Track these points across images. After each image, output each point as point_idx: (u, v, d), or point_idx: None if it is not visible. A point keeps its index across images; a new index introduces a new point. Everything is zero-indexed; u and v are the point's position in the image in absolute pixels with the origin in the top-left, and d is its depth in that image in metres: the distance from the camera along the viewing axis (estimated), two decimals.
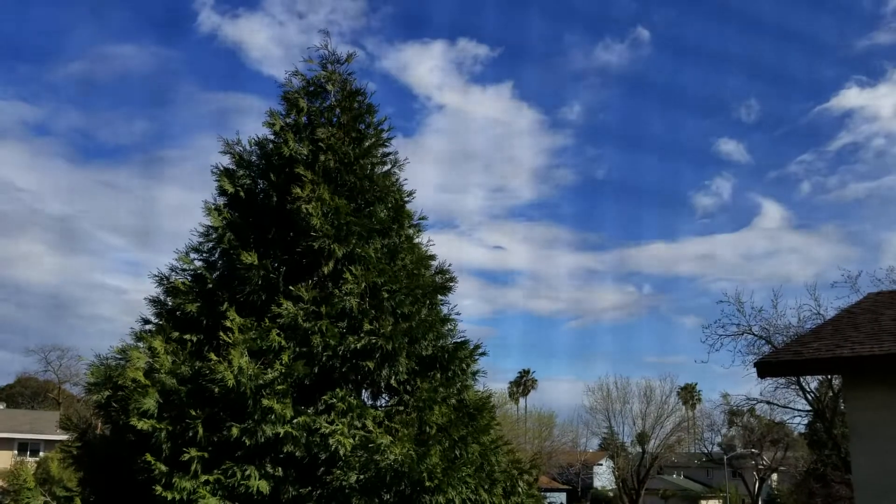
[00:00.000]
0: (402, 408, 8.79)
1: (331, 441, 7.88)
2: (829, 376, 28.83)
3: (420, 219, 10.37)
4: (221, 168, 9.80)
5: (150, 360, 8.40)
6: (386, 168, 10.23)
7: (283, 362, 8.11)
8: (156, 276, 9.51)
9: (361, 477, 7.82)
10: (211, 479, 7.70)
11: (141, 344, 8.77)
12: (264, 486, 7.77)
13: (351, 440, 7.97)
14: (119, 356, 8.78)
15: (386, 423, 8.44)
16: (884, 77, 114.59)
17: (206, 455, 7.81)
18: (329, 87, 10.11)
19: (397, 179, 10.18)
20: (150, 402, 7.89)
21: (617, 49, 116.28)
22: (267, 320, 8.44)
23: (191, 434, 7.84)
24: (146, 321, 9.42)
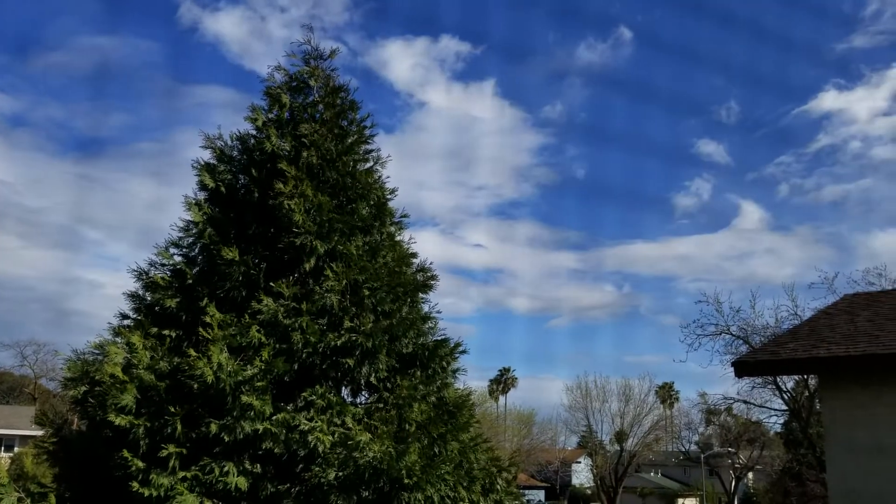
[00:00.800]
0: (381, 405, 8.78)
1: (310, 438, 7.86)
2: (806, 376, 29.17)
3: (402, 216, 10.38)
4: (202, 162, 9.73)
5: (129, 355, 8.32)
6: (368, 165, 10.20)
7: (263, 359, 8.08)
8: (134, 270, 9.43)
9: (340, 474, 7.81)
10: (189, 475, 7.65)
11: (119, 339, 8.69)
12: (242, 483, 7.73)
13: (330, 437, 7.96)
14: (96, 351, 8.69)
15: (365, 420, 8.44)
16: (861, 80, 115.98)
17: (184, 451, 7.75)
18: (312, 83, 10.07)
19: (379, 177, 10.16)
20: (128, 398, 7.82)
21: (599, 48, 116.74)
22: (247, 316, 8.40)
23: (169, 430, 7.78)
24: (124, 316, 9.34)
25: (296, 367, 8.42)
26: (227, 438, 7.72)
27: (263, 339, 8.27)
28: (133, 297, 9.42)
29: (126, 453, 7.65)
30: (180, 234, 9.52)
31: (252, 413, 7.74)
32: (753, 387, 33.13)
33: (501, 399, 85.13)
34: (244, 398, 7.73)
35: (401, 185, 10.44)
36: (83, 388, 8.44)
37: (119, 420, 7.72)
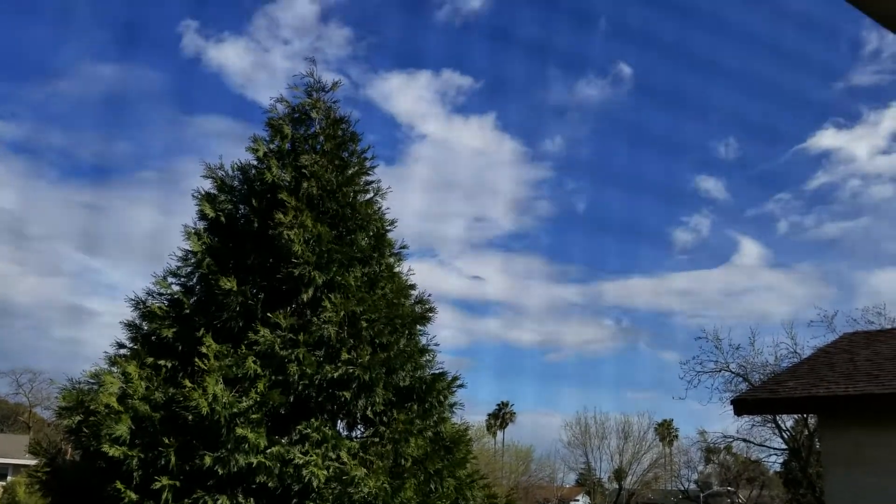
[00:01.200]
0: (377, 439, 8.70)
1: (304, 472, 7.77)
2: (805, 415, 28.98)
3: (401, 248, 10.38)
4: (203, 192, 9.75)
5: (124, 385, 8.26)
6: (368, 196, 10.23)
7: (259, 390, 8.01)
8: (132, 299, 9.40)
9: None
10: None
11: (115, 368, 8.64)
12: None
13: (325, 472, 7.86)
14: (92, 380, 8.63)
15: (361, 454, 8.34)
16: (860, 119, 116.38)
17: (177, 484, 7.66)
18: (314, 115, 10.13)
19: (379, 208, 10.19)
20: (123, 429, 7.75)
21: (598, 84, 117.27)
22: (244, 347, 8.36)
23: (163, 462, 7.69)
24: (121, 345, 9.29)
25: (291, 400, 8.34)
26: (220, 471, 7.63)
27: (259, 370, 8.21)
28: (130, 326, 9.38)
29: (119, 484, 7.55)
30: (179, 264, 9.50)
31: (246, 446, 7.66)
32: (753, 425, 32.89)
33: (500, 434, 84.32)
34: (239, 430, 7.65)
35: (400, 216, 10.49)
36: (78, 418, 8.36)
37: (113, 451, 7.64)
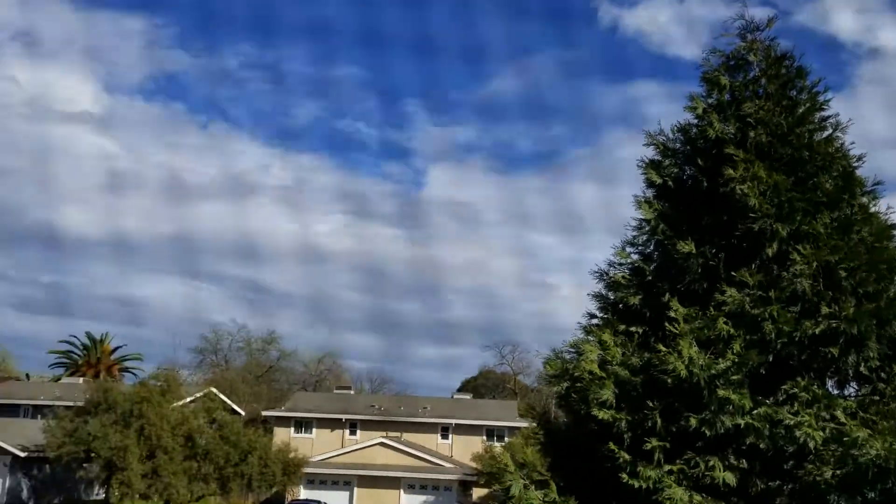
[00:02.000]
0: (876, 397, 7.92)
1: (797, 433, 7.43)
2: None
3: (875, 184, 9.23)
4: (647, 160, 9.90)
5: (601, 352, 8.80)
6: (826, 134, 9.30)
7: (735, 351, 7.86)
8: (596, 271, 9.99)
9: (837, 472, 7.22)
10: (674, 469, 7.79)
11: (591, 337, 9.26)
12: (730, 478, 7.62)
13: (820, 433, 7.42)
14: (572, 349, 9.38)
15: (860, 414, 7.65)
16: None
17: (666, 445, 7.92)
18: (751, 58, 9.57)
19: (842, 144, 9.19)
20: (608, 393, 8.26)
21: None
22: (711, 309, 8.28)
23: (649, 424, 8.02)
24: (592, 315, 9.94)
25: (770, 359, 8.04)
26: (707, 433, 7.68)
27: (732, 330, 8.04)
28: (597, 296, 9.99)
29: (612, 445, 8.08)
30: (634, 233, 9.81)
31: (730, 407, 7.58)
32: None
33: None
34: (720, 392, 7.61)
35: (867, 148, 9.30)
36: (565, 384, 9.15)
37: (602, 414, 8.19)
